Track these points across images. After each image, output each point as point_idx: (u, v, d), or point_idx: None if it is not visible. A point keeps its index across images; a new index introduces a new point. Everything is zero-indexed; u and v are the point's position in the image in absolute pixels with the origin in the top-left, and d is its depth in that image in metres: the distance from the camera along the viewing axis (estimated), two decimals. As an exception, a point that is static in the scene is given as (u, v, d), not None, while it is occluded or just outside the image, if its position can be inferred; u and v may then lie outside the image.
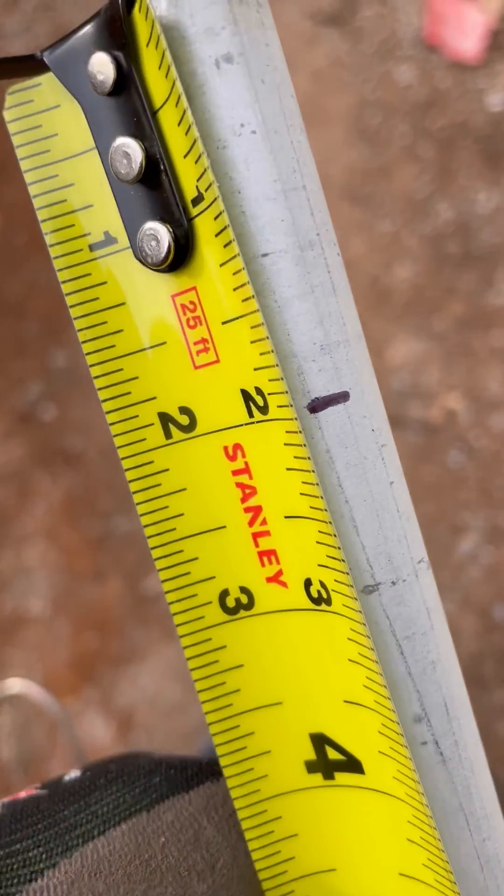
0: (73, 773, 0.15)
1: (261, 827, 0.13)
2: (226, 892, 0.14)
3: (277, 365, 0.12)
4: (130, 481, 0.13)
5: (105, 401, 0.12)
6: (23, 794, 0.14)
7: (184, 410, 0.12)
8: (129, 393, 0.12)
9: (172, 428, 0.12)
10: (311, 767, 0.13)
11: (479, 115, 1.25)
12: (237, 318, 0.12)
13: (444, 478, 1.14)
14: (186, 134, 0.12)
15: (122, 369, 0.12)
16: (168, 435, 0.12)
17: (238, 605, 0.13)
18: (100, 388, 0.12)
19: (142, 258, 0.12)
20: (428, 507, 1.12)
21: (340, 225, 1.18)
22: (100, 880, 0.13)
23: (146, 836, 0.14)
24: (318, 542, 0.12)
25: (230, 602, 0.13)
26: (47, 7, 1.31)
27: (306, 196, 0.12)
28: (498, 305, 1.18)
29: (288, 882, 0.14)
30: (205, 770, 0.15)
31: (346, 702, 0.13)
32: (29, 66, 0.12)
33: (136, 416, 0.12)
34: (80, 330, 0.12)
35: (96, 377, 0.13)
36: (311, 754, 0.13)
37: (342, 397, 0.12)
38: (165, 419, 0.12)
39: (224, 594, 0.13)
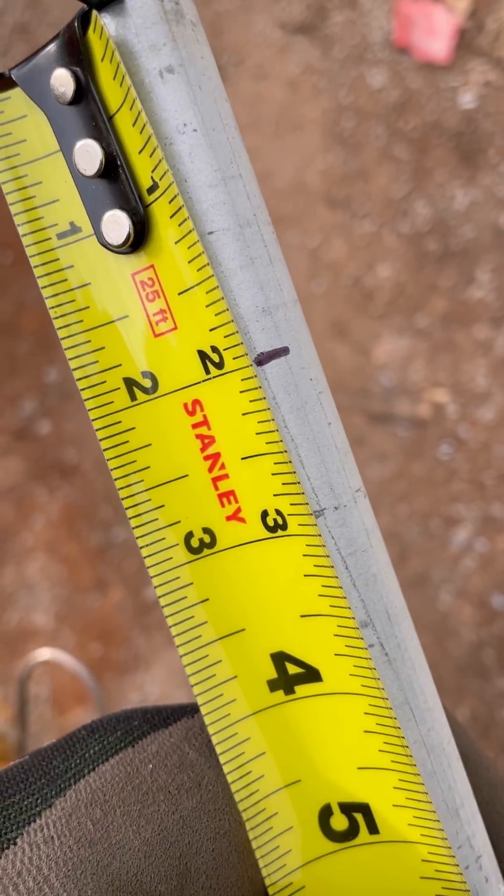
0: (51, 742, 0.16)
1: (233, 749, 0.15)
2: (213, 805, 0.15)
3: (232, 321, 0.14)
4: (101, 440, 0.14)
5: (75, 369, 0.14)
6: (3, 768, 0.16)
7: (146, 374, 0.14)
8: (96, 362, 0.14)
9: (136, 391, 0.14)
10: (272, 686, 0.15)
11: (452, 113, 1.27)
12: (194, 286, 0.14)
13: (435, 471, 1.15)
14: (141, 132, 0.14)
15: (89, 341, 0.14)
16: (133, 397, 0.14)
17: (202, 544, 0.15)
18: (70, 359, 0.14)
19: (105, 243, 0.14)
20: (421, 500, 1.13)
21: (321, 228, 1.20)
22: (97, 807, 0.14)
23: (134, 766, 0.15)
24: (273, 474, 0.14)
25: (194, 542, 0.15)
26: (23, 30, 1.34)
27: (243, 183, 0.14)
28: (479, 299, 1.20)
29: (260, 800, 0.15)
30: (178, 711, 0.16)
31: (302, 616, 0.15)
32: None
33: (104, 382, 0.14)
34: (52, 308, 0.14)
35: (67, 349, 0.14)
36: (272, 673, 0.15)
37: (283, 351, 0.14)
38: (130, 383, 0.14)
39: (189, 536, 0.15)
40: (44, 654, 0.52)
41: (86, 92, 0.14)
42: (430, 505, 1.14)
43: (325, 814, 0.15)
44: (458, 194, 1.25)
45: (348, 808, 0.15)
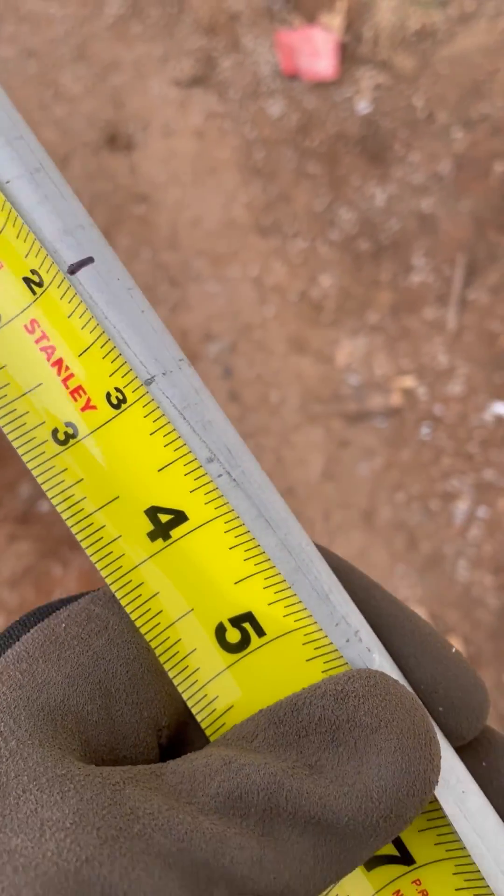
0: None
1: (130, 594, 0.17)
2: (120, 639, 0.17)
3: (38, 243, 0.17)
4: None
5: None
6: None
7: None
8: None
9: None
10: (152, 536, 0.18)
11: (352, 121, 1.32)
12: (2, 228, 0.17)
13: (422, 453, 1.17)
14: None
15: None
16: None
17: (67, 436, 0.18)
18: None
19: None
20: (416, 485, 1.16)
21: (258, 256, 1.24)
22: (23, 662, 0.17)
23: (50, 628, 0.17)
24: (103, 358, 0.17)
25: (61, 436, 0.18)
26: None
27: (26, 143, 0.18)
28: (420, 283, 1.23)
29: (163, 631, 0.18)
30: (85, 593, 0.19)
31: (158, 470, 0.18)
32: None
33: None
34: None
35: None
36: (149, 526, 0.18)
37: (89, 261, 0.17)
38: None
39: (55, 431, 0.18)
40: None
41: None
42: (426, 486, 1.16)
43: (221, 631, 0.18)
44: (376, 192, 1.30)
45: (237, 621, 0.18)
